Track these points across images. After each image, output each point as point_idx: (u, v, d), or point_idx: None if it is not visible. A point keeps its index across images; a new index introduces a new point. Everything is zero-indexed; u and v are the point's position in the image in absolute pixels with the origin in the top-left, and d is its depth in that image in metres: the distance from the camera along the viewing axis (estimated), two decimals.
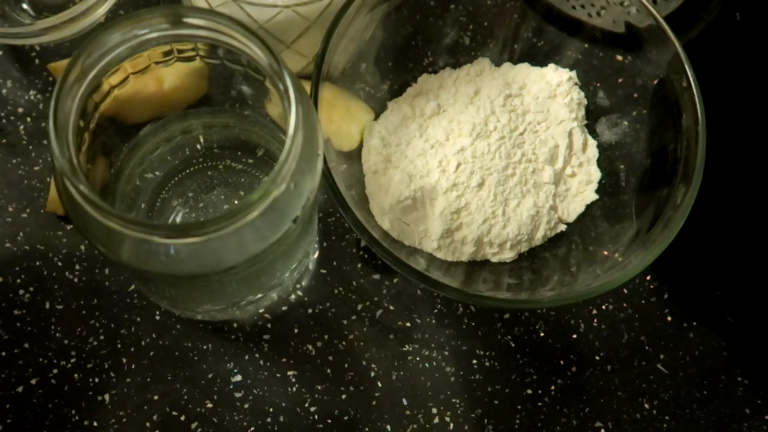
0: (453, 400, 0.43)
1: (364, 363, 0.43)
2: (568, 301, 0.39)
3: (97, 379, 0.42)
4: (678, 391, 0.44)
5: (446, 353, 0.43)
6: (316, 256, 0.45)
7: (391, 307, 0.44)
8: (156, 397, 0.42)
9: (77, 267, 0.43)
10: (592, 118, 0.46)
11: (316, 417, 0.42)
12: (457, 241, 0.42)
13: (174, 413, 0.41)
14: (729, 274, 0.45)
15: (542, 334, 0.44)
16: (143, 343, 0.42)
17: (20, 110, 0.46)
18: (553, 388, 0.43)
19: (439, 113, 0.44)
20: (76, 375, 0.42)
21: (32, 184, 0.45)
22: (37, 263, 0.43)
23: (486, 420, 0.42)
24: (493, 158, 0.42)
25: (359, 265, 0.45)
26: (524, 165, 0.43)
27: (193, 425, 0.41)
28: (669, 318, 0.45)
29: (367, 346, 0.43)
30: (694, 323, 0.45)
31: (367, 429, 0.42)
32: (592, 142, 0.45)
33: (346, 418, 0.42)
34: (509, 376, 0.43)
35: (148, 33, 0.31)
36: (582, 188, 0.44)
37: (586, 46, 0.46)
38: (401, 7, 0.45)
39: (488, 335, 0.44)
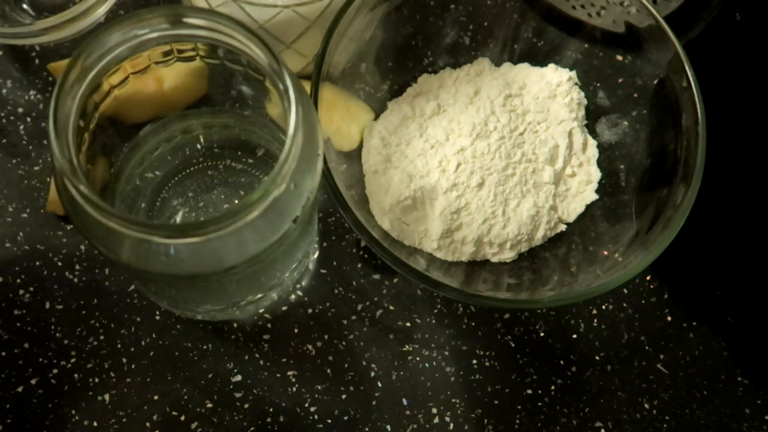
0: (453, 400, 0.43)
1: (364, 363, 0.43)
2: (568, 301, 0.39)
3: (97, 379, 0.42)
4: (678, 391, 0.44)
5: (446, 353, 0.43)
6: (316, 256, 0.45)
7: (391, 307, 0.44)
8: (156, 397, 0.42)
9: (77, 267, 0.43)
10: (592, 118, 0.46)
11: (316, 417, 0.42)
12: (457, 241, 0.42)
13: (174, 413, 0.41)
14: (729, 274, 0.45)
15: (542, 334, 0.44)
16: (143, 343, 0.42)
17: (20, 110, 0.46)
18: (553, 388, 0.43)
19: (439, 113, 0.44)
20: (76, 375, 0.42)
21: (32, 184, 0.45)
22: (37, 263, 0.43)
23: (486, 420, 0.42)
24: (493, 158, 0.42)
25: (359, 265, 0.45)
26: (524, 165, 0.43)
27: (193, 425, 0.41)
28: (669, 318, 0.45)
29: (367, 346, 0.43)
30: (694, 323, 0.45)
31: (367, 429, 0.42)
32: (592, 142, 0.45)
33: (346, 418, 0.42)
34: (509, 376, 0.43)
35: (148, 33, 0.31)
36: (582, 188, 0.44)
37: (586, 46, 0.46)
38: (401, 7, 0.45)
39: (488, 335, 0.44)
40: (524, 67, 0.46)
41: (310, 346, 0.43)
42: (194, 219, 0.41)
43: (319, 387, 0.42)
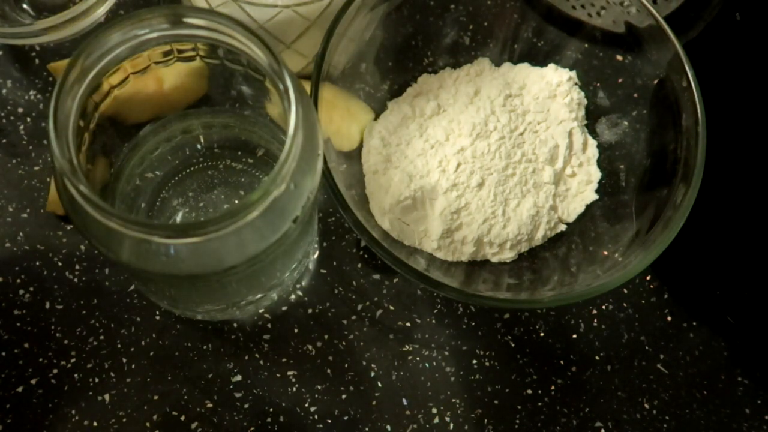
0: (453, 400, 0.43)
1: (364, 363, 0.43)
2: (568, 301, 0.39)
3: (97, 379, 0.42)
4: (678, 391, 0.44)
5: (446, 353, 0.43)
6: (316, 256, 0.45)
7: (391, 307, 0.44)
8: (156, 397, 0.42)
9: (77, 267, 0.43)
10: (592, 118, 0.46)
11: (316, 417, 0.42)
12: (457, 241, 0.42)
13: (174, 413, 0.41)
14: (729, 274, 0.45)
15: (542, 334, 0.44)
16: (143, 343, 0.42)
17: (20, 110, 0.46)
18: (553, 388, 0.43)
19: (439, 113, 0.44)
20: (76, 375, 0.42)
21: (32, 184, 0.45)
22: (37, 263, 0.43)
23: (486, 420, 0.42)
24: (493, 158, 0.42)
25: (359, 265, 0.45)
26: (524, 165, 0.43)
27: (193, 425, 0.41)
28: (669, 318, 0.45)
29: (367, 346, 0.43)
30: (694, 323, 0.45)
31: (367, 429, 0.42)
32: (592, 142, 0.45)
33: (346, 418, 0.42)
34: (509, 376, 0.43)
35: (148, 33, 0.31)
36: (582, 188, 0.44)
37: (586, 46, 0.46)
38: (401, 7, 0.45)
39: (488, 335, 0.44)
40: (524, 67, 0.46)
41: (310, 346, 0.43)
42: (194, 219, 0.41)
43: (319, 387, 0.42)
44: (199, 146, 0.41)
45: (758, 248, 0.43)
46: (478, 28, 0.47)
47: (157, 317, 0.43)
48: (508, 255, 0.43)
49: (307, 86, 0.39)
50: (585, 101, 0.46)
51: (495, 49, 0.47)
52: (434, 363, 0.43)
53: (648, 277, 0.46)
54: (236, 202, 0.41)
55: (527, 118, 0.44)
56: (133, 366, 0.42)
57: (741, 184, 0.44)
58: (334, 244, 0.45)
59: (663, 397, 0.44)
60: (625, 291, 0.45)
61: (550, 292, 0.40)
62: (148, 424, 0.41)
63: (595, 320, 0.45)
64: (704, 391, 0.44)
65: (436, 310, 0.44)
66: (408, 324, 0.44)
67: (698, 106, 0.39)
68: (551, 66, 0.46)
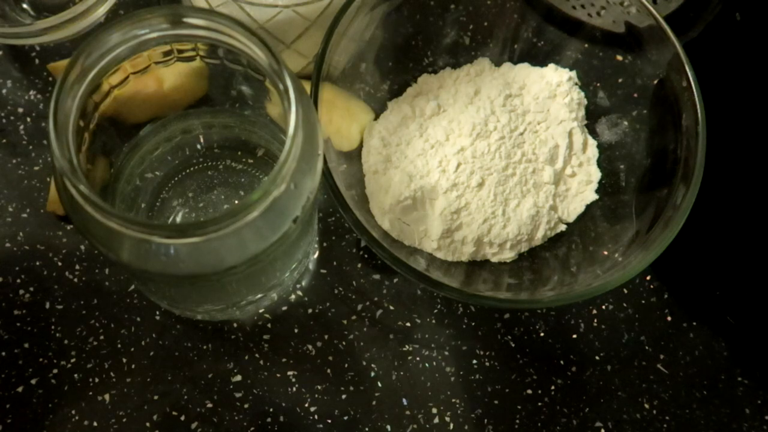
0: (453, 400, 0.43)
1: (364, 363, 0.43)
2: (568, 301, 0.39)
3: (97, 379, 0.42)
4: (678, 391, 0.44)
5: (446, 353, 0.43)
6: (316, 256, 0.45)
7: (391, 307, 0.44)
8: (156, 397, 0.42)
9: (77, 267, 0.43)
10: (592, 118, 0.46)
11: (316, 417, 0.42)
12: (457, 241, 0.42)
13: (174, 413, 0.41)
14: (729, 274, 0.45)
15: (542, 334, 0.44)
16: (143, 343, 0.42)
17: (20, 110, 0.46)
18: (553, 388, 0.43)
19: (439, 113, 0.44)
20: (76, 375, 0.42)
21: (32, 184, 0.45)
22: (37, 263, 0.43)
23: (486, 420, 0.42)
24: (493, 158, 0.42)
25: (359, 265, 0.45)
26: (524, 165, 0.43)
27: (193, 425, 0.41)
28: (669, 318, 0.45)
29: (367, 346, 0.43)
30: (694, 323, 0.45)
31: (367, 429, 0.42)
32: (592, 142, 0.45)
33: (346, 418, 0.42)
34: (509, 376, 0.43)
35: (148, 33, 0.31)
36: (582, 188, 0.44)
37: (586, 46, 0.46)
38: (401, 7, 0.45)
39: (488, 335, 0.44)
40: (524, 67, 0.46)
41: (310, 346, 0.43)
42: (194, 219, 0.41)
43: (319, 387, 0.42)
44: (199, 146, 0.41)
45: (758, 248, 0.43)
46: (478, 28, 0.47)
47: (157, 317, 0.43)
48: (508, 255, 0.43)
49: (307, 86, 0.39)
50: (585, 101, 0.46)
51: (495, 49, 0.47)
52: (434, 363, 0.43)
53: (648, 277, 0.46)
54: (236, 202, 0.41)
55: (527, 118, 0.44)
56: (133, 366, 0.42)
57: (741, 184, 0.44)
58: (334, 244, 0.45)
59: (663, 397, 0.44)
60: (625, 291, 0.45)
61: (550, 292, 0.40)
62: (148, 424, 0.41)
63: (595, 320, 0.45)
64: (704, 391, 0.44)
65: (436, 310, 0.44)
66: (408, 324, 0.44)
67: (698, 106, 0.39)
68: (551, 66, 0.46)
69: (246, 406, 0.42)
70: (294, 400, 0.42)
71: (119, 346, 0.42)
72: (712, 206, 0.42)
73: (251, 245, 0.30)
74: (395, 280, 0.44)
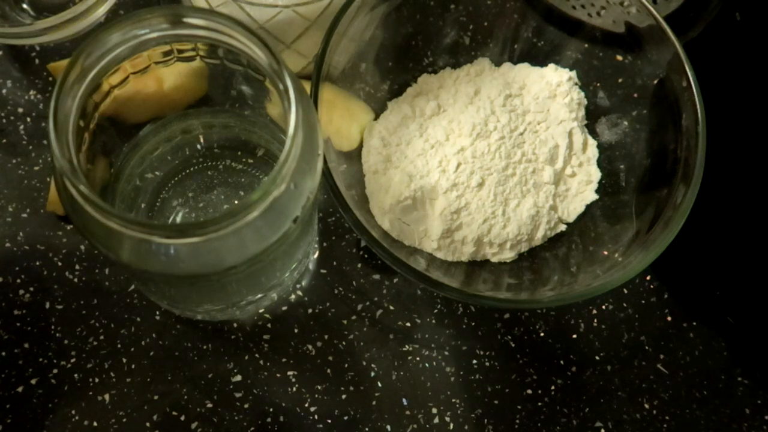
0: (453, 400, 0.43)
1: (364, 363, 0.43)
2: (568, 301, 0.39)
3: (97, 379, 0.42)
4: (678, 391, 0.44)
5: (446, 353, 0.43)
6: (316, 256, 0.45)
7: (391, 307, 0.44)
8: (156, 397, 0.42)
9: (77, 267, 0.43)
10: (592, 118, 0.46)
11: (316, 417, 0.42)
12: (457, 241, 0.42)
13: (174, 413, 0.41)
14: (729, 274, 0.45)
15: (542, 334, 0.44)
16: (143, 343, 0.42)
17: (20, 110, 0.46)
18: (553, 388, 0.43)
19: (439, 113, 0.44)
20: (76, 375, 0.42)
21: (32, 184, 0.45)
22: (37, 263, 0.43)
23: (486, 420, 0.42)
24: (493, 158, 0.42)
25: (359, 265, 0.45)
26: (524, 165, 0.43)
27: (193, 425, 0.41)
28: (669, 318, 0.45)
29: (367, 346, 0.43)
30: (694, 323, 0.45)
31: (367, 429, 0.42)
32: (592, 142, 0.45)
33: (346, 418, 0.42)
34: (509, 376, 0.43)
35: (148, 33, 0.31)
36: (582, 188, 0.44)
37: (586, 46, 0.46)
38: (401, 7, 0.45)
39: (488, 335, 0.44)
40: (524, 67, 0.46)
41: (310, 346, 0.43)
42: (194, 219, 0.41)
43: (319, 387, 0.42)
44: (199, 146, 0.41)
45: (758, 248, 0.43)
46: (478, 28, 0.47)
47: (157, 317, 0.43)
48: (508, 255, 0.43)
49: (307, 86, 0.39)
50: (585, 101, 0.46)
51: (495, 49, 0.47)
52: (434, 363, 0.43)
53: (648, 277, 0.46)
54: (236, 202, 0.41)
55: (527, 118, 0.44)
56: (133, 366, 0.42)
57: (741, 184, 0.44)
58: (334, 244, 0.45)
59: (663, 397, 0.44)
60: (625, 291, 0.45)
61: (550, 292, 0.40)
62: (148, 424, 0.41)
63: (595, 320, 0.45)
64: (704, 391, 0.44)
65: (436, 310, 0.44)
66: (408, 324, 0.44)
67: (698, 106, 0.39)
68: (551, 66, 0.46)
69: (246, 406, 0.42)
70: (294, 400, 0.42)
71: (119, 346, 0.42)
72: (712, 206, 0.42)
73: (251, 245, 0.30)
74: (395, 280, 0.44)
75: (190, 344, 0.42)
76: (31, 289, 0.43)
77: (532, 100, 0.45)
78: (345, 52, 0.42)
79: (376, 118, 0.45)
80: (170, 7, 0.30)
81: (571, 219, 0.44)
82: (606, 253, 0.41)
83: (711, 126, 0.39)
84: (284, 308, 0.43)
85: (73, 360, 0.42)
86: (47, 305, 0.43)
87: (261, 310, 0.43)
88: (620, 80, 0.45)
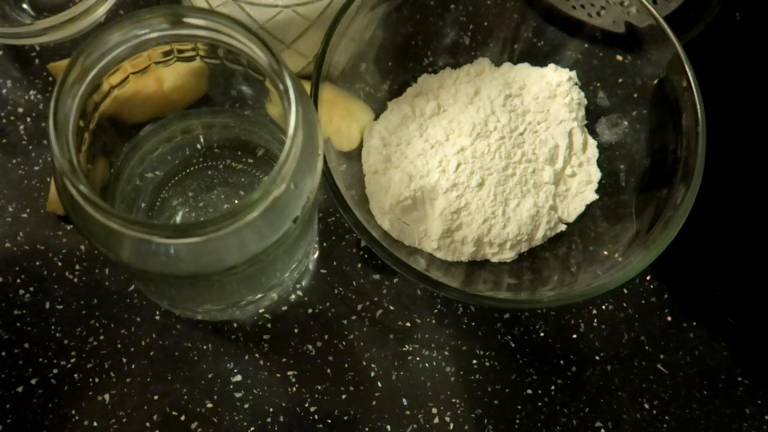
0: (453, 400, 0.43)
1: (364, 363, 0.43)
2: (568, 301, 0.39)
3: (97, 379, 0.42)
4: (678, 391, 0.44)
5: (446, 353, 0.43)
6: (316, 256, 0.45)
7: (391, 307, 0.44)
8: (156, 397, 0.42)
9: (77, 267, 0.43)
10: (592, 118, 0.46)
11: (316, 417, 0.42)
12: (457, 241, 0.42)
13: (174, 413, 0.41)
14: (729, 274, 0.45)
15: (542, 334, 0.44)
16: (143, 343, 0.42)
17: (20, 110, 0.46)
18: (553, 388, 0.43)
19: (439, 113, 0.44)
20: (76, 375, 0.42)
21: (32, 184, 0.45)
22: (37, 263, 0.43)
23: (486, 420, 0.42)
24: (493, 158, 0.42)
25: (359, 265, 0.45)
26: (524, 165, 0.43)
27: (193, 425, 0.41)
28: (669, 318, 0.45)
29: (367, 346, 0.43)
30: (694, 323, 0.45)
31: (367, 429, 0.42)
32: (592, 142, 0.45)
33: (346, 418, 0.42)
34: (509, 376, 0.43)
35: (148, 33, 0.31)
36: (582, 188, 0.44)
37: (586, 46, 0.46)
38: (401, 7, 0.45)
39: (488, 335, 0.44)
40: (524, 67, 0.46)
41: (310, 346, 0.43)
42: (194, 219, 0.41)
43: (319, 387, 0.42)
44: (199, 146, 0.41)
45: (758, 248, 0.43)
46: (478, 28, 0.47)
47: (157, 317, 0.43)
48: (508, 255, 0.43)
49: (307, 86, 0.39)
50: (585, 101, 0.46)
51: (495, 49, 0.47)
52: (434, 363, 0.43)
53: (648, 277, 0.46)
54: (236, 202, 0.41)
55: (527, 118, 0.44)
56: (133, 366, 0.42)
57: (741, 184, 0.44)
58: (334, 244, 0.45)
59: (663, 397, 0.44)
60: (625, 291, 0.45)
61: (550, 292, 0.40)
62: (148, 424, 0.41)
63: (595, 320, 0.45)
64: (704, 391, 0.44)
65: (436, 310, 0.44)
66: (408, 324, 0.44)
67: (698, 106, 0.40)
68: (551, 66, 0.46)
69: (246, 406, 0.42)
70: (294, 400, 0.42)
71: (119, 346, 0.42)
72: (712, 206, 0.42)
73: (251, 245, 0.30)
74: (395, 280, 0.44)
75: (190, 344, 0.42)
76: (31, 289, 0.43)
77: (532, 100, 0.45)
78: (345, 52, 0.42)
79: (376, 118, 0.45)
80: (170, 7, 0.30)
81: (571, 219, 0.44)
82: (606, 253, 0.41)
83: (711, 126, 0.39)
84: (284, 308, 0.43)
85: (73, 360, 0.42)
86: (47, 305, 0.43)
87: (261, 310, 0.43)
88: (620, 80, 0.45)
